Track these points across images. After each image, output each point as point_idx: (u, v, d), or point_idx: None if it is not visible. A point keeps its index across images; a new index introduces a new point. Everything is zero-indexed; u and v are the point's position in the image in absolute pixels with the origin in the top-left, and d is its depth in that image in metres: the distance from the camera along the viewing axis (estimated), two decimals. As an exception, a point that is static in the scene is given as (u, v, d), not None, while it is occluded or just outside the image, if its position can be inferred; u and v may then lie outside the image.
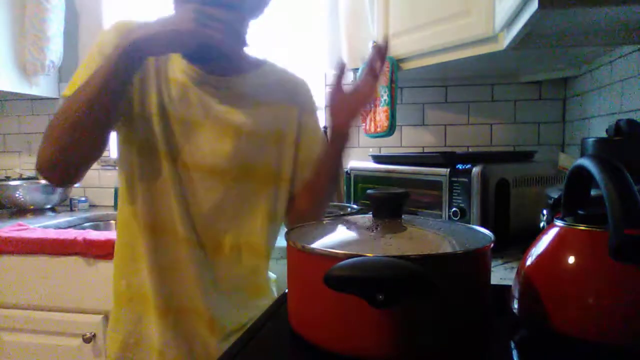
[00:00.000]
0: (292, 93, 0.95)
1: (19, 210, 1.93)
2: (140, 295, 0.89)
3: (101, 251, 1.36)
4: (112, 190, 2.06)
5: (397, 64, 1.49)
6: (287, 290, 0.63)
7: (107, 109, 0.75)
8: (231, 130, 0.86)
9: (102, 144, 0.80)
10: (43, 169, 0.78)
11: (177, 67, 0.85)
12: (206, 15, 0.71)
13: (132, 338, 0.90)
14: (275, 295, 1.02)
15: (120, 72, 0.73)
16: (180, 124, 0.85)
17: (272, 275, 1.08)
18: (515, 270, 0.63)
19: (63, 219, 1.80)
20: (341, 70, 0.89)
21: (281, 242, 1.30)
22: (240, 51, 0.89)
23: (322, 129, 1.03)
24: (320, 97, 1.95)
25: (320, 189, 0.96)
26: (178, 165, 0.85)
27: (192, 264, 0.87)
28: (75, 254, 1.39)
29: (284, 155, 0.92)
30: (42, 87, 2.06)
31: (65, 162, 0.77)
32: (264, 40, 2.02)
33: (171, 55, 0.86)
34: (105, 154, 2.16)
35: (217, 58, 0.81)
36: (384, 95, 1.50)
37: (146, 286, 0.88)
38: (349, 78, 1.82)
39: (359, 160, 1.65)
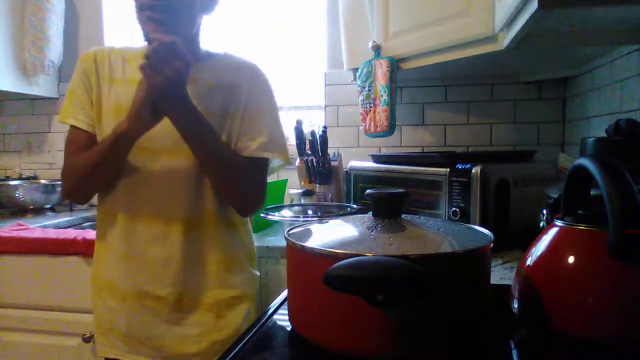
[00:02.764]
0: (243, 77, 0.99)
1: (19, 210, 1.93)
2: (106, 283, 0.98)
3: (101, 251, 1.36)
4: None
5: (397, 64, 1.49)
6: (287, 290, 0.63)
7: (107, 171, 0.94)
8: None
9: (107, 181, 0.97)
10: (65, 195, 1.01)
11: (137, 69, 0.92)
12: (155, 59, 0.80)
13: (107, 324, 0.98)
14: (254, 273, 1.07)
15: (116, 152, 0.90)
16: None
17: (256, 272, 1.09)
18: (515, 270, 0.63)
19: (63, 219, 1.80)
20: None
21: (281, 242, 1.30)
22: (193, 49, 0.96)
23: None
24: (319, 96, 1.96)
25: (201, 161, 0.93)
26: (142, 153, 0.93)
27: (157, 246, 0.94)
28: (75, 254, 1.39)
29: (229, 133, 0.97)
30: (42, 87, 2.06)
31: (81, 194, 1.01)
32: (264, 41, 2.02)
33: (129, 58, 0.98)
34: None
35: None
36: (384, 95, 1.50)
37: (111, 274, 0.97)
38: (349, 78, 1.82)
39: (359, 160, 1.65)
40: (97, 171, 0.94)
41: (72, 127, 0.99)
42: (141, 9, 0.87)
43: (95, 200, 1.01)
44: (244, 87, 0.98)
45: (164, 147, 0.93)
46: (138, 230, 0.95)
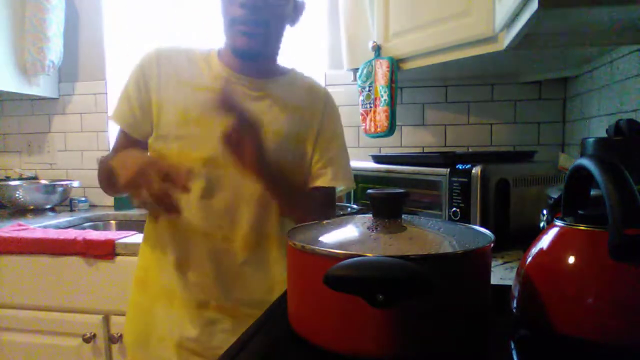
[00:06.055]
0: (317, 100, 1.01)
1: (19, 210, 1.93)
2: (162, 291, 0.95)
3: (101, 251, 1.37)
4: (112, 190, 2.05)
5: (397, 64, 1.49)
6: (286, 290, 0.63)
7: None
8: None
9: None
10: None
11: (208, 75, 0.93)
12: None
13: (159, 332, 0.94)
14: None
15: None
16: (208, 127, 0.89)
17: None
18: (515, 270, 0.63)
19: (63, 219, 1.80)
20: None
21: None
22: (276, 55, 0.98)
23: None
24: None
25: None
26: (200, 162, 0.90)
27: (216, 260, 0.92)
28: (75, 254, 1.39)
29: (302, 155, 0.98)
30: (42, 87, 2.06)
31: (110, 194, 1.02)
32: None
33: (196, 60, 0.94)
34: (105, 153, 2.16)
35: (258, 58, 0.92)
36: (384, 95, 1.50)
37: (168, 282, 0.94)
38: (349, 78, 1.82)
39: (359, 160, 1.65)
40: (108, 186, 0.96)
41: None
42: (232, 23, 0.87)
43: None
44: (318, 112, 1.00)
45: (229, 163, 0.88)
46: (196, 243, 0.92)
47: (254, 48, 0.88)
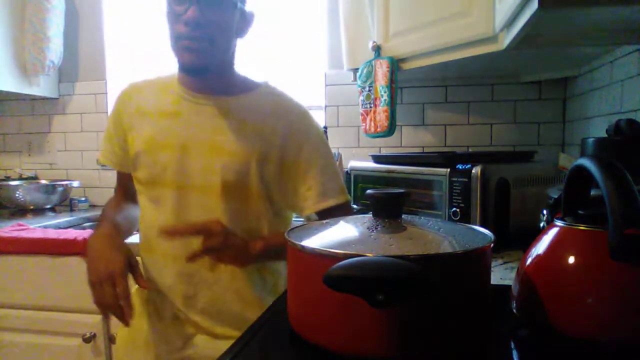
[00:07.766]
0: (280, 118, 0.94)
1: (19, 210, 1.93)
2: (142, 300, 1.01)
3: (101, 251, 1.36)
4: (112, 190, 2.05)
5: (397, 64, 1.48)
6: (286, 290, 0.63)
7: None
8: (216, 149, 0.91)
9: None
10: None
11: (169, 100, 0.96)
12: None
13: (136, 333, 0.99)
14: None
15: None
16: (170, 150, 0.92)
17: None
18: (515, 270, 0.63)
19: (63, 219, 1.80)
20: None
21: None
22: (228, 72, 0.96)
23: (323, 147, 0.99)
24: (319, 96, 1.96)
25: None
26: (170, 186, 0.92)
27: (187, 279, 0.94)
28: (75, 254, 1.39)
29: (267, 175, 0.93)
30: (42, 87, 2.06)
31: None
32: (264, 41, 2.02)
33: (159, 88, 0.98)
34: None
35: (206, 73, 0.90)
36: (384, 95, 1.50)
37: (145, 294, 0.99)
38: (349, 78, 1.82)
39: (359, 160, 1.65)
40: None
41: None
42: (178, 38, 0.86)
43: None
44: (279, 129, 0.93)
45: (194, 184, 0.92)
46: (167, 265, 0.94)
47: (200, 63, 0.87)
